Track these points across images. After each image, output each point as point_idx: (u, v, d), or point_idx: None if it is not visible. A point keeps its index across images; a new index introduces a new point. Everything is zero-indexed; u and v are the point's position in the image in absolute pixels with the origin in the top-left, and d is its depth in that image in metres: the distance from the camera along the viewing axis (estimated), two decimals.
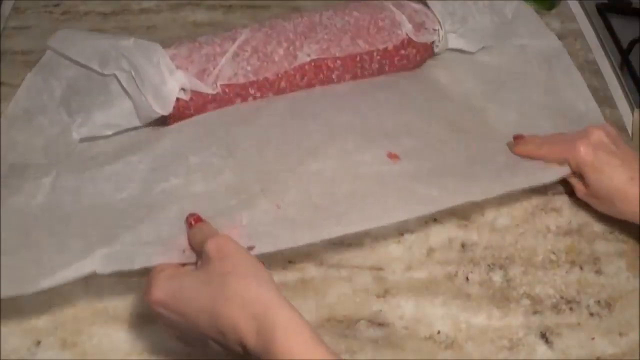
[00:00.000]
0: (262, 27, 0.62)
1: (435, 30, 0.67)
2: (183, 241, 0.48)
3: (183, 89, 0.58)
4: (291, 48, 0.61)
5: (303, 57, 0.60)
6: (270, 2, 0.77)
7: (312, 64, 0.61)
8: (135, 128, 0.60)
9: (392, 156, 0.57)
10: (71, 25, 0.72)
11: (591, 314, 0.53)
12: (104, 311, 0.50)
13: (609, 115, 0.67)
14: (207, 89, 0.58)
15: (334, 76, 0.63)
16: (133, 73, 0.57)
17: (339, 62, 0.62)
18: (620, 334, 0.52)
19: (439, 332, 0.51)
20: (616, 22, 0.80)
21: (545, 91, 0.67)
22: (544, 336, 0.51)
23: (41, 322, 0.50)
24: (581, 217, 0.59)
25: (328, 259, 0.55)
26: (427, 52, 0.67)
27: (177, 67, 0.58)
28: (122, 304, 0.51)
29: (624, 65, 0.75)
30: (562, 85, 0.68)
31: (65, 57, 0.60)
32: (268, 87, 0.60)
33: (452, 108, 0.64)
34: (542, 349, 0.51)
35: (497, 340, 0.51)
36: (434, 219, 0.58)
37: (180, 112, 0.58)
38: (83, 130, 0.59)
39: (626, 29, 0.79)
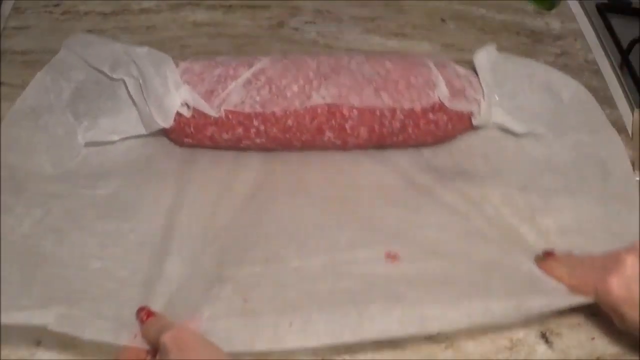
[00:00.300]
0: (284, 59, 0.59)
1: (476, 100, 0.60)
2: (137, 327, 0.46)
3: (187, 105, 0.56)
4: (307, 87, 0.57)
5: (317, 99, 0.57)
6: (270, 2, 0.77)
7: (326, 108, 0.57)
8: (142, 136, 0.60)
9: (391, 256, 0.53)
10: (71, 25, 0.72)
11: (591, 314, 0.53)
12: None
13: (609, 115, 0.67)
14: (210, 111, 0.56)
15: (347, 126, 0.58)
16: (140, 80, 0.57)
17: (355, 111, 0.57)
18: (620, 334, 0.52)
19: (439, 332, 0.51)
20: (616, 22, 0.80)
21: (594, 202, 0.58)
22: (544, 336, 0.51)
23: None
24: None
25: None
26: (463, 123, 0.61)
27: (187, 82, 0.57)
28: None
29: (624, 65, 0.75)
30: (616, 197, 0.59)
31: (78, 57, 0.60)
32: (273, 122, 0.57)
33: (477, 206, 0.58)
34: (542, 349, 0.51)
35: (497, 340, 0.51)
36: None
37: (181, 128, 0.57)
38: (89, 134, 0.59)
39: (626, 29, 0.79)
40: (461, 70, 0.62)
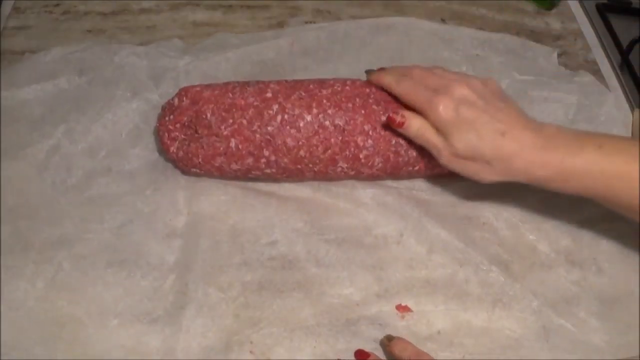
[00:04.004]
0: (296, 87, 0.56)
1: None
2: None
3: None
4: (321, 116, 0.55)
5: (330, 128, 0.55)
6: (270, 2, 0.77)
7: (340, 138, 0.55)
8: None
9: (402, 309, 0.53)
10: (71, 25, 0.72)
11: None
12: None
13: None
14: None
15: (361, 156, 0.55)
16: None
17: (370, 141, 0.55)
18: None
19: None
20: (616, 22, 0.80)
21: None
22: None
23: None
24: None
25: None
26: None
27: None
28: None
29: (624, 65, 0.75)
30: None
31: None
32: (285, 153, 0.55)
33: (493, 240, 0.57)
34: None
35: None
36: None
37: (189, 158, 0.56)
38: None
39: (626, 29, 0.79)
40: None
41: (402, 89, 0.54)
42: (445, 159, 0.52)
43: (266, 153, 0.55)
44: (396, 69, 0.56)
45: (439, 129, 0.51)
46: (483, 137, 0.49)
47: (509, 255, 0.56)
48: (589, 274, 0.55)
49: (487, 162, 0.50)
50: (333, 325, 0.51)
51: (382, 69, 0.57)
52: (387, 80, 0.55)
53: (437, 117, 0.51)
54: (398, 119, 0.53)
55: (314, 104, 0.55)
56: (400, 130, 0.53)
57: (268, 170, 0.56)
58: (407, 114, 0.53)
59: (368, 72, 0.57)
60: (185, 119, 0.56)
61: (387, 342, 0.49)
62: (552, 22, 0.79)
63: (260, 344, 0.49)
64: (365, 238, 0.56)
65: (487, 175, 0.51)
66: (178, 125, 0.56)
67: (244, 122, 0.54)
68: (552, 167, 0.49)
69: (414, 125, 0.52)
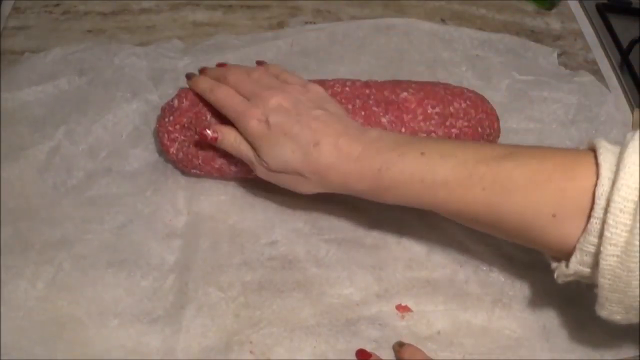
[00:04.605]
0: None
1: None
2: None
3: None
4: None
5: None
6: (270, 2, 0.77)
7: None
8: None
9: (402, 309, 0.52)
10: (71, 25, 0.72)
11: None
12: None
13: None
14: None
15: None
16: None
17: None
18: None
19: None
20: (616, 22, 0.80)
21: None
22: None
23: None
24: None
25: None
26: None
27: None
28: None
29: (624, 65, 0.75)
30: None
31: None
32: None
33: (493, 240, 0.55)
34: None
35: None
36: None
37: (189, 159, 0.56)
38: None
39: (626, 29, 0.79)
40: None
41: (216, 98, 0.51)
42: (260, 172, 0.50)
43: None
44: (213, 71, 0.53)
45: (250, 143, 0.49)
46: (294, 150, 0.47)
47: (509, 255, 0.56)
48: None
49: (302, 175, 0.47)
50: (333, 325, 0.51)
51: (202, 71, 0.54)
52: (202, 87, 0.52)
53: (247, 132, 0.48)
54: (210, 134, 0.50)
55: None
56: (215, 145, 0.51)
57: None
58: (221, 128, 0.51)
59: (188, 76, 0.54)
60: (185, 120, 0.56)
61: (398, 349, 0.49)
62: (552, 22, 0.79)
63: (260, 344, 0.49)
64: (365, 238, 0.56)
65: (305, 187, 0.49)
66: (178, 127, 0.56)
67: None
68: (370, 178, 0.46)
69: (228, 139, 0.50)
